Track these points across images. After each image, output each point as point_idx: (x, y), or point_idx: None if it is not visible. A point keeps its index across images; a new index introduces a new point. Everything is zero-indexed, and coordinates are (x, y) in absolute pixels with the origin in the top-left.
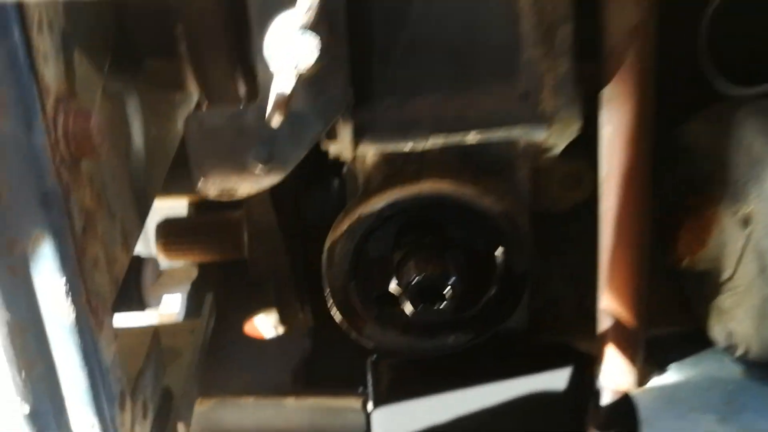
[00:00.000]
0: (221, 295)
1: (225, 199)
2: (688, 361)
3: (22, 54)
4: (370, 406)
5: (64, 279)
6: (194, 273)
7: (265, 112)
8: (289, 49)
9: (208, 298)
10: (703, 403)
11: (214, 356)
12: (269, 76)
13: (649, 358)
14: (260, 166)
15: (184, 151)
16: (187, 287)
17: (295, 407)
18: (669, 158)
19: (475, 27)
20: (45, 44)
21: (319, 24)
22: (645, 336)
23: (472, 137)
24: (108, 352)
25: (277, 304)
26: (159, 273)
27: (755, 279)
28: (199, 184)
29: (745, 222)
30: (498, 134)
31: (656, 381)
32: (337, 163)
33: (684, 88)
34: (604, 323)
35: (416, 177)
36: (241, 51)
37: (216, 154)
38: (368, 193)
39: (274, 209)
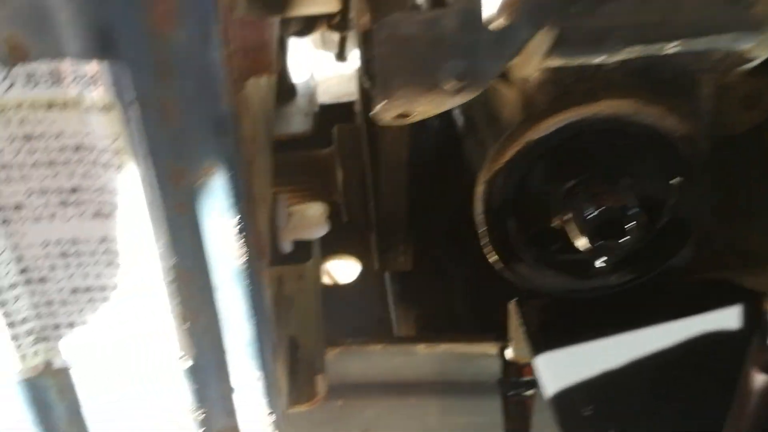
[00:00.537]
0: None
1: (397, 123)
2: None
3: None
4: (509, 351)
5: (235, 217)
6: (326, 213)
7: (468, 16)
8: None
9: (316, 241)
10: None
11: None
12: None
13: None
14: (454, 82)
15: None
16: (324, 229)
17: (426, 354)
18: None
19: None
20: None
21: None
22: None
23: (672, 47)
24: (267, 299)
25: (378, 246)
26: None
27: None
28: (381, 106)
29: None
30: (701, 43)
31: None
32: None
33: None
34: None
35: (591, 97)
36: None
37: (407, 67)
38: (534, 117)
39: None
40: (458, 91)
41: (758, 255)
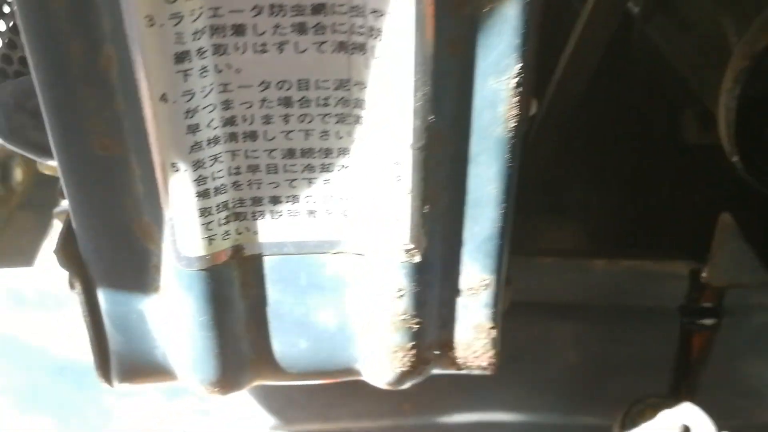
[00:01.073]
0: None
1: None
2: None
3: None
4: (704, 273)
5: (516, 64)
6: None
7: None
8: None
9: None
10: None
11: None
12: None
13: None
14: None
15: None
16: None
17: (605, 270)
18: None
19: None
20: None
21: None
22: None
23: None
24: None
25: None
26: None
27: None
28: None
29: None
30: None
31: None
32: None
33: None
34: None
35: None
36: None
37: None
38: None
39: None
40: None
41: None
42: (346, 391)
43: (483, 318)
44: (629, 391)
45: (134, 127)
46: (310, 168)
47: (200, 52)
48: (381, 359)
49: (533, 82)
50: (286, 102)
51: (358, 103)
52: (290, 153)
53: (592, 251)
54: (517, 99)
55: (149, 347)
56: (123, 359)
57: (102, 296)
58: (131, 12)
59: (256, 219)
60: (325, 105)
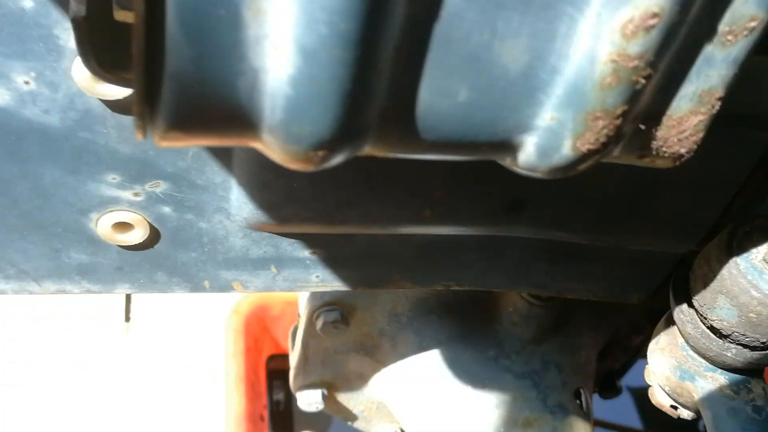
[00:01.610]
0: None
1: None
2: None
3: None
4: None
5: None
6: None
7: None
8: None
9: None
10: None
11: None
12: None
13: None
14: None
15: None
16: None
17: None
18: None
19: None
20: None
21: None
22: None
23: None
24: None
25: None
26: None
27: None
28: None
29: None
30: None
31: None
32: None
33: None
34: None
35: None
36: None
37: None
38: None
39: None
40: None
41: None
42: (363, 189)
43: (717, 82)
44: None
45: None
46: None
47: None
48: (566, 128)
49: None
50: None
51: None
52: None
53: None
54: None
55: (232, 72)
56: (185, 89)
57: None
58: None
59: None
60: None
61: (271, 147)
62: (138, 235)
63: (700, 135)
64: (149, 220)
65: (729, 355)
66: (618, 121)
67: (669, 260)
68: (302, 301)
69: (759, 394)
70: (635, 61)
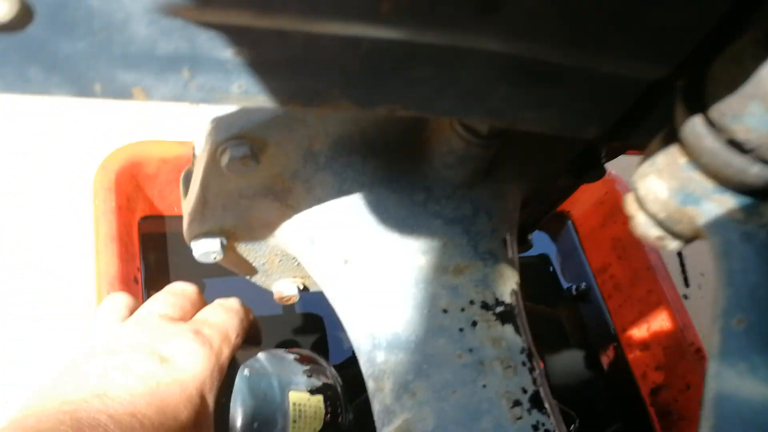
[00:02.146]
0: None
1: None
2: None
3: None
4: None
5: None
6: None
7: None
8: None
9: None
10: None
11: None
12: None
13: None
14: None
15: None
16: None
17: None
18: None
19: None
20: None
21: None
22: None
23: None
24: None
25: None
26: None
27: None
28: None
29: None
30: None
31: None
32: None
33: None
34: None
35: None
36: None
37: None
38: None
39: None
40: None
41: None
42: None
43: None
44: None
45: None
46: None
47: None
48: None
49: None
50: None
51: None
52: None
53: None
54: None
55: None
56: None
57: None
58: None
59: None
60: None
61: None
62: (1, 9)
63: None
64: None
65: (752, 172)
66: None
67: (635, 89)
68: (199, 140)
69: None
70: None
